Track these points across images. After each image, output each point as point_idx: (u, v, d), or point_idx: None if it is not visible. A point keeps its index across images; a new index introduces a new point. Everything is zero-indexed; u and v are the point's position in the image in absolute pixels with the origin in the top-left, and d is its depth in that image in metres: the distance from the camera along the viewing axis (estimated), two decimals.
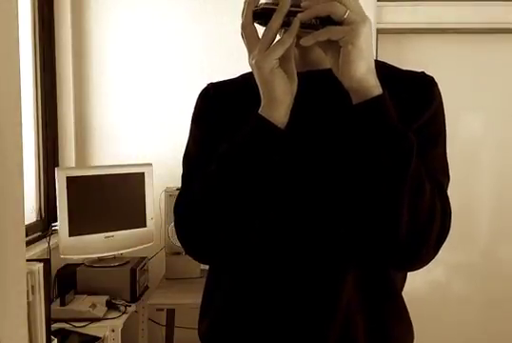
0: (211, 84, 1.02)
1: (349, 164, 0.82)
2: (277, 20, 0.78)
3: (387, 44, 2.63)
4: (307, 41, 0.78)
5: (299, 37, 0.79)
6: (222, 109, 0.94)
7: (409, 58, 2.55)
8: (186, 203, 0.90)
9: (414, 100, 0.89)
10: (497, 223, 2.81)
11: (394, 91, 0.84)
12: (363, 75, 0.77)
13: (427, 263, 0.87)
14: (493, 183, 2.80)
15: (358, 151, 0.80)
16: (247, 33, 0.81)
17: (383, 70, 0.89)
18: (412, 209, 0.79)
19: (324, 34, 0.76)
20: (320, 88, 0.90)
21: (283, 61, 0.81)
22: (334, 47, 0.78)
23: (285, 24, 0.78)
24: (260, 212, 0.86)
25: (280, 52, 0.79)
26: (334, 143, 0.87)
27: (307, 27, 0.78)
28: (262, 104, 0.84)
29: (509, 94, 2.74)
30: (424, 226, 0.81)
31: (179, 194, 0.94)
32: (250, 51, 0.81)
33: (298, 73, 0.86)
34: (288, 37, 0.78)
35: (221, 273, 0.99)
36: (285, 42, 0.79)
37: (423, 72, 0.93)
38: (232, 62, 2.54)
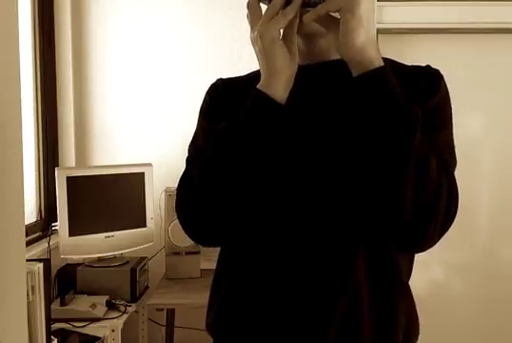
0: (220, 79, 1.04)
1: (353, 139, 0.82)
2: None
3: (388, 44, 2.63)
4: (309, 17, 0.80)
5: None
6: (229, 104, 0.94)
7: (409, 58, 2.54)
8: (185, 184, 0.91)
9: (419, 90, 0.89)
10: (497, 222, 2.81)
11: (400, 83, 0.84)
12: (362, 45, 0.78)
13: (434, 243, 0.87)
14: (493, 182, 2.80)
15: (361, 124, 0.80)
16: (252, 11, 0.83)
17: (388, 64, 0.89)
18: (417, 183, 0.79)
19: (323, 8, 0.78)
20: (323, 78, 0.91)
21: (285, 39, 0.83)
22: (336, 25, 0.79)
23: (289, 3, 0.81)
24: (260, 193, 0.86)
25: (283, 23, 0.81)
26: (338, 121, 0.87)
27: (310, 5, 0.80)
28: (261, 79, 0.85)
29: (510, 94, 2.74)
30: (430, 201, 0.81)
31: (181, 176, 0.94)
32: (252, 28, 0.83)
33: (302, 66, 0.88)
34: (291, 10, 0.80)
35: (228, 261, 0.99)
36: (287, 14, 0.81)
37: (428, 66, 0.94)
38: (232, 63, 2.55)
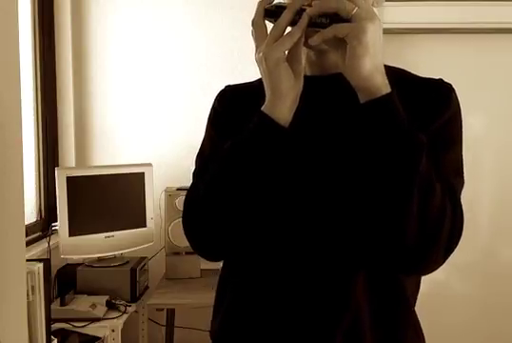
0: (228, 86, 1.03)
1: (357, 164, 0.81)
2: (287, 16, 0.79)
3: (388, 44, 2.62)
4: (315, 40, 0.78)
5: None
6: (237, 111, 0.94)
7: (410, 58, 2.55)
8: (191, 200, 0.91)
9: (430, 105, 0.88)
10: (497, 223, 2.81)
11: (410, 97, 0.84)
12: (369, 72, 0.77)
13: (437, 267, 0.86)
14: (493, 182, 2.80)
15: (365, 150, 0.79)
16: (257, 29, 0.82)
17: (400, 75, 0.89)
18: (421, 209, 0.78)
19: (330, 32, 0.76)
20: (330, 91, 0.90)
21: (290, 59, 0.81)
22: (343, 47, 0.77)
23: (295, 22, 0.79)
24: (263, 212, 0.86)
25: (288, 45, 0.79)
26: (343, 144, 0.86)
27: (317, 26, 0.78)
28: (266, 100, 0.84)
29: (511, 94, 2.74)
30: (433, 227, 0.80)
31: (188, 191, 0.94)
32: (257, 47, 0.81)
33: (311, 77, 0.87)
34: (297, 31, 0.79)
35: (231, 274, 0.99)
36: (293, 35, 0.79)
37: (440, 79, 0.93)
38: (232, 63, 2.55)
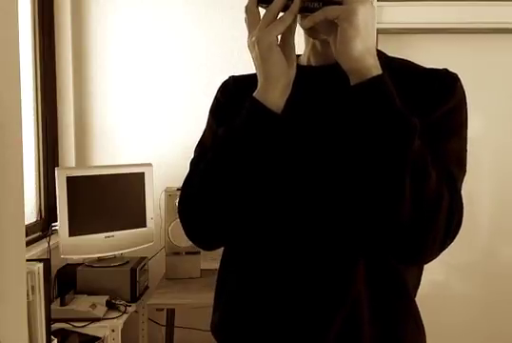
0: (232, 77, 1.03)
1: (349, 147, 0.81)
2: (279, 1, 0.79)
3: (386, 44, 2.63)
4: (306, 23, 0.79)
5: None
6: (238, 102, 0.93)
7: (408, 58, 2.55)
8: (187, 187, 0.91)
9: (434, 94, 0.87)
10: (497, 222, 2.81)
11: (414, 86, 0.84)
12: (359, 54, 0.76)
13: (433, 257, 0.84)
14: (493, 182, 2.81)
15: (357, 132, 0.79)
16: (250, 16, 0.82)
17: (404, 66, 0.89)
18: (415, 195, 0.77)
19: (321, 14, 0.77)
20: (331, 80, 0.90)
21: (283, 44, 0.82)
22: (335, 30, 0.77)
23: (288, 7, 0.80)
24: (258, 200, 0.86)
25: (280, 29, 0.80)
26: (337, 129, 0.86)
27: (310, 10, 0.79)
28: (258, 85, 0.84)
29: (509, 94, 2.74)
30: (430, 212, 0.78)
31: (184, 180, 0.94)
32: (250, 32, 0.82)
33: (316, 67, 0.88)
34: (289, 15, 0.79)
35: (229, 268, 0.99)
36: (285, 20, 0.79)
37: (445, 69, 0.92)
38: (232, 63, 2.55)
